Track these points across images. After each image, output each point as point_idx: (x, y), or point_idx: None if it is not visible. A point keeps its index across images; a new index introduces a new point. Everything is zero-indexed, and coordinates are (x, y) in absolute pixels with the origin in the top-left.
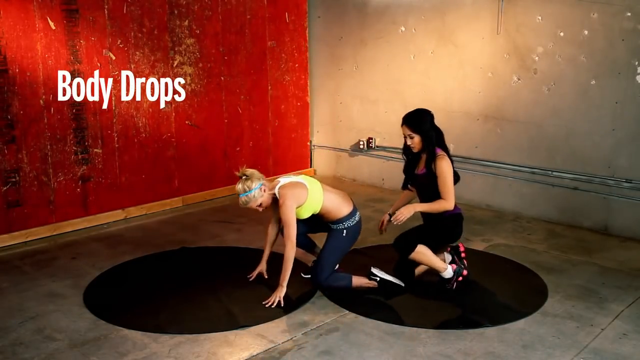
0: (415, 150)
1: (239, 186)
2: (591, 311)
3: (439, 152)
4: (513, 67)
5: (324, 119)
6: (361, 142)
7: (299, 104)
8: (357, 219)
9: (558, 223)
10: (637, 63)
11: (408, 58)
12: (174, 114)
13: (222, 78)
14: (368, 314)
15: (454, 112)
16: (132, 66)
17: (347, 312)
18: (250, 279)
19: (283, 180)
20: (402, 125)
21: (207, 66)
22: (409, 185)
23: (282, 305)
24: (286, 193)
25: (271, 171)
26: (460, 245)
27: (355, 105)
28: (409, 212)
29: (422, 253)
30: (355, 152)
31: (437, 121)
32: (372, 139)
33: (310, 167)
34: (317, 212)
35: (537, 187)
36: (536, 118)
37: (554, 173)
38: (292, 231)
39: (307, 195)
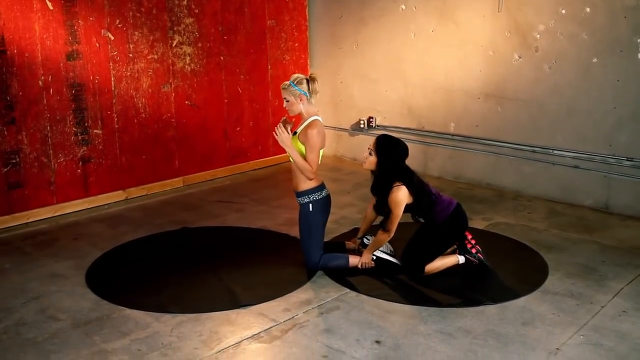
0: (366, 166)
1: (295, 75)
2: (591, 289)
3: (395, 185)
4: (514, 45)
5: (324, 98)
6: (362, 122)
7: None
8: (324, 194)
9: (559, 201)
10: (639, 40)
11: (409, 37)
12: (173, 94)
13: (222, 58)
14: (369, 292)
15: (455, 90)
16: (131, 46)
17: (348, 290)
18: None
19: (316, 117)
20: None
21: (206, 46)
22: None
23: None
24: (313, 135)
25: (271, 151)
26: (467, 234)
27: (356, 84)
28: (369, 258)
29: (433, 268)
30: (356, 131)
31: (439, 99)
32: (372, 118)
33: None
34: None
35: (537, 166)
36: (537, 96)
37: (555, 151)
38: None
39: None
